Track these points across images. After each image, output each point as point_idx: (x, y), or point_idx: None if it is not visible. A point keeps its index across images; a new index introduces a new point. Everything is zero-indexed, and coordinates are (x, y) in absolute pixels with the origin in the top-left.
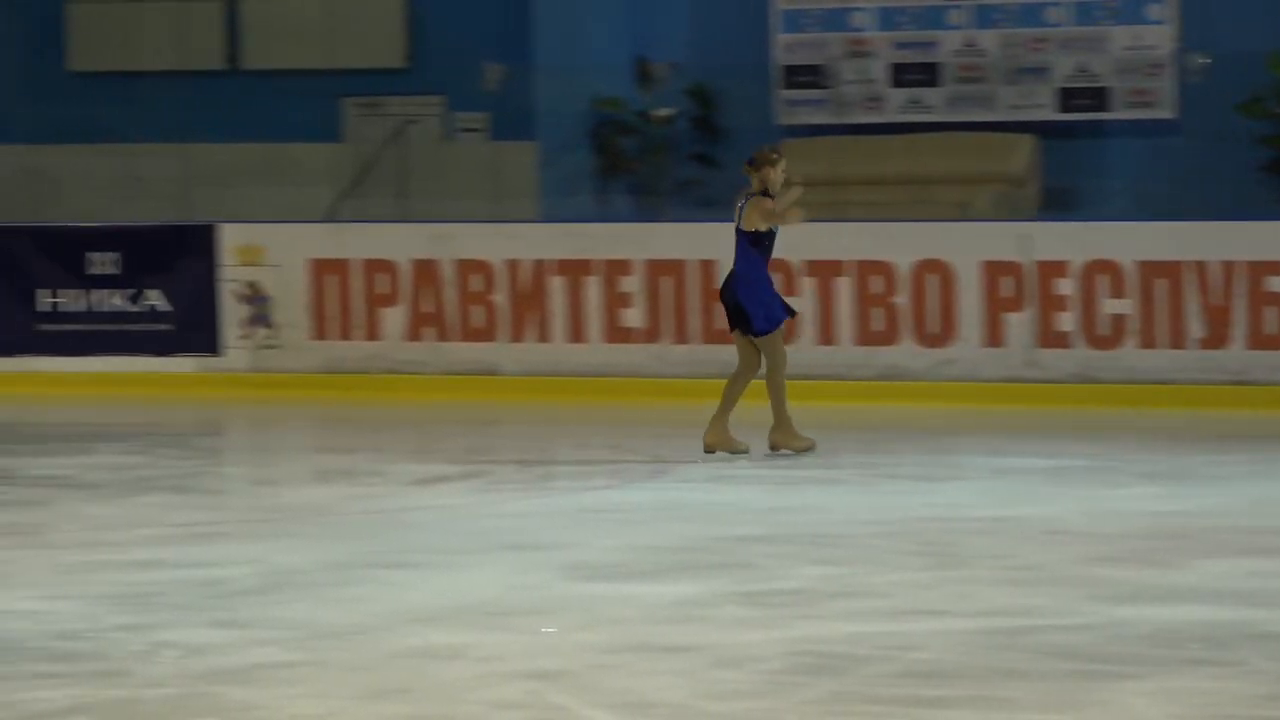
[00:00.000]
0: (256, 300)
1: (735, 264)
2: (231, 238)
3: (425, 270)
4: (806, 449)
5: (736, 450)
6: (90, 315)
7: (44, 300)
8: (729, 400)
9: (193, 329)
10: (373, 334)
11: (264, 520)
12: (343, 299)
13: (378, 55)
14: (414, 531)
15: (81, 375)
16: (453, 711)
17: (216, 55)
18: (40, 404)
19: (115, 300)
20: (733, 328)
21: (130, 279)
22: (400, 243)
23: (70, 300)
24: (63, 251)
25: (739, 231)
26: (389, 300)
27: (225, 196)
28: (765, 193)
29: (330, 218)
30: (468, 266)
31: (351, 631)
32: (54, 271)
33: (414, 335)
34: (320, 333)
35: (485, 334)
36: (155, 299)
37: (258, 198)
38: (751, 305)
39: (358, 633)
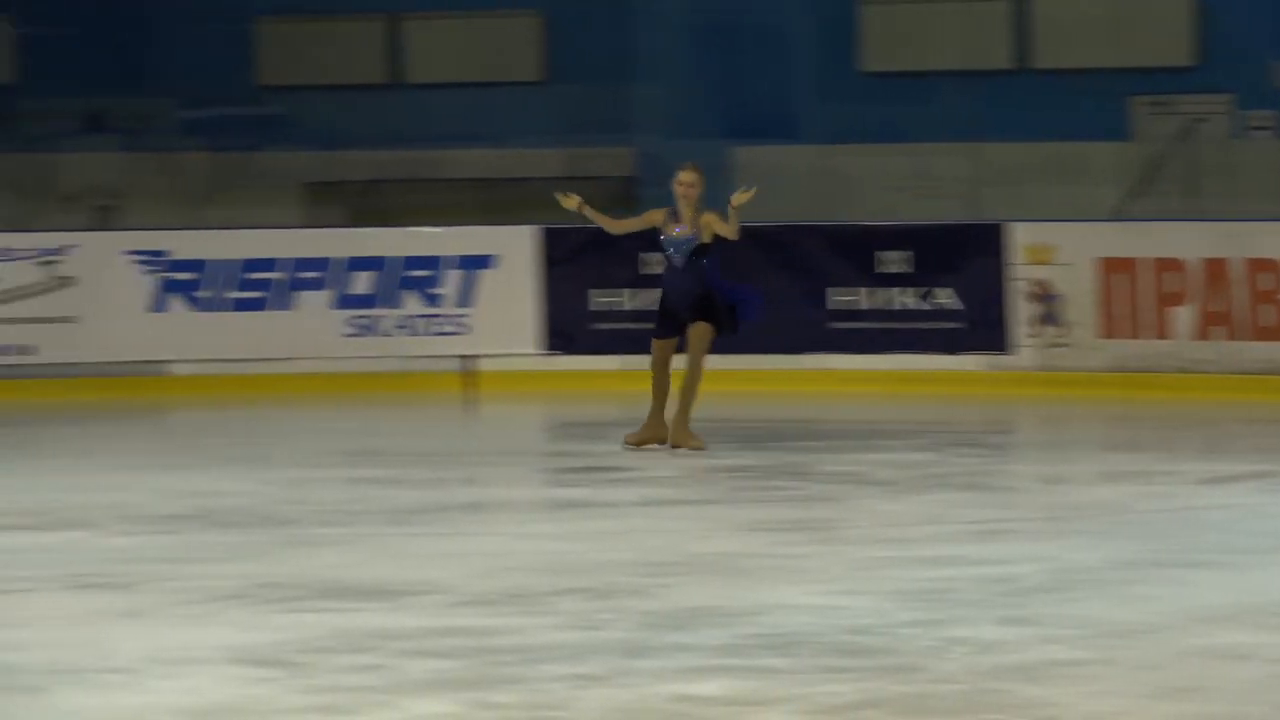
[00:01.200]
0: (1046, 299)
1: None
2: (1021, 237)
3: (1215, 269)
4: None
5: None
6: (879, 313)
7: (835, 298)
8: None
9: (982, 327)
10: (1162, 333)
11: (1054, 518)
12: (1131, 298)
13: (1166, 53)
14: (1204, 530)
15: (871, 373)
16: (1244, 712)
17: (1006, 54)
18: (832, 401)
19: (905, 298)
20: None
21: (921, 277)
22: (1190, 242)
23: (860, 298)
24: (854, 250)
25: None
26: (1179, 299)
27: (1015, 195)
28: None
29: (1119, 216)
30: (1258, 265)
31: (1141, 630)
32: (845, 270)
33: (1203, 334)
34: (1109, 331)
35: (1275, 333)
36: (944, 297)
37: (1047, 197)
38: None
39: (1147, 631)
